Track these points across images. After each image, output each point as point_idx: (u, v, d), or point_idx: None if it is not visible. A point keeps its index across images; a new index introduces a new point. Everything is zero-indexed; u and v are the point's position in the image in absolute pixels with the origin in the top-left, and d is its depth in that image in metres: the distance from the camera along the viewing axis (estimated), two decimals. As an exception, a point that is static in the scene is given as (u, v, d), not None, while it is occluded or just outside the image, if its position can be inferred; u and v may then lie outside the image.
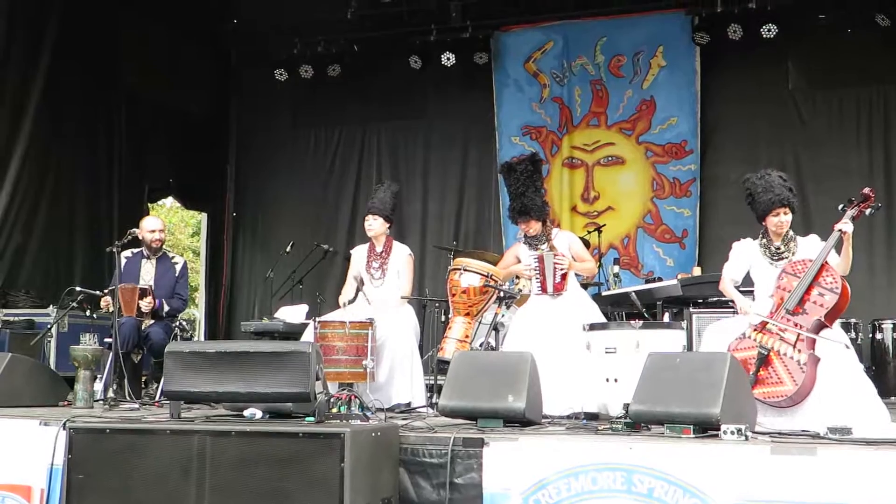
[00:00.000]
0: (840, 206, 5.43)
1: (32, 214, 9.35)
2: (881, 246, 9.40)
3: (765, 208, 5.52)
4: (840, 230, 5.23)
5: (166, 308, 7.37)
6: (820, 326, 5.09)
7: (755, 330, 5.23)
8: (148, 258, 7.54)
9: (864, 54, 9.64)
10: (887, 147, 9.66)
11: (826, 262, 5.20)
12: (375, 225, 6.85)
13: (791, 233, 5.57)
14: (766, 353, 5.09)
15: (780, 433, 4.60)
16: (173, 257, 7.75)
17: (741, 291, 6.07)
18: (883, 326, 8.23)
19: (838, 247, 5.30)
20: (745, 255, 5.66)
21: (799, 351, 5.01)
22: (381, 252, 6.84)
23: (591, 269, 6.86)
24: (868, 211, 5.44)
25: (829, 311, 5.10)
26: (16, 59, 9.20)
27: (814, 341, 5.01)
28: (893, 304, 8.96)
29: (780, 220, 5.49)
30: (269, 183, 11.92)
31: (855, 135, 9.79)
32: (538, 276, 6.34)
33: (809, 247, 5.44)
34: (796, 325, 5.10)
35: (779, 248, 5.51)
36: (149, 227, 7.58)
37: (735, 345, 5.23)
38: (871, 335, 8.21)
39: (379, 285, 6.76)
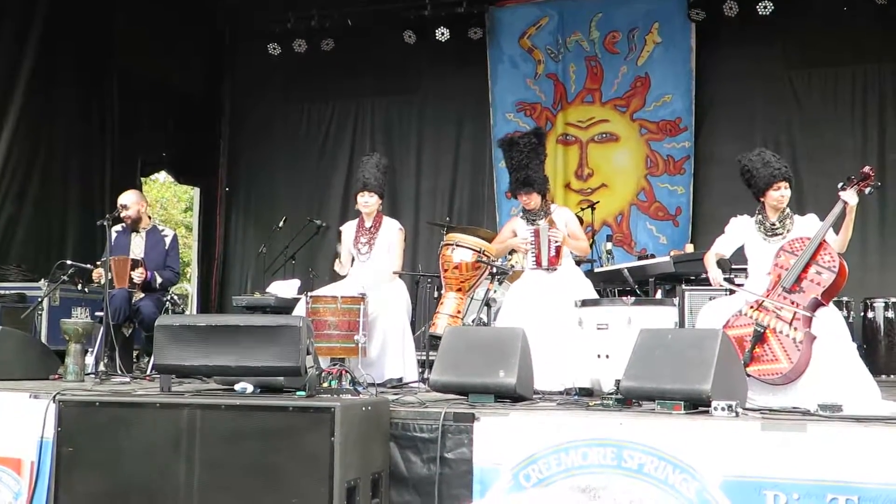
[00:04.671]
0: (839, 185, 5.40)
1: (24, 188, 9.30)
2: (873, 225, 9.39)
3: (766, 182, 5.47)
4: (845, 201, 5.20)
5: (159, 280, 7.35)
6: (816, 305, 5.09)
7: (752, 307, 5.23)
8: (137, 232, 7.51)
9: (860, 32, 9.60)
10: (882, 126, 9.63)
11: (824, 241, 5.19)
12: (372, 202, 6.80)
13: (788, 210, 5.54)
14: (762, 330, 5.09)
15: (770, 410, 4.61)
16: (163, 230, 7.72)
17: (738, 269, 6.09)
18: (874, 305, 8.25)
19: (838, 222, 5.27)
20: (739, 232, 5.65)
21: (795, 329, 5.01)
22: (371, 227, 6.80)
23: (585, 248, 6.85)
24: (867, 190, 5.41)
25: (827, 290, 5.10)
26: (7, 33, 9.13)
27: (810, 320, 5.01)
28: (885, 283, 8.96)
29: (782, 194, 5.46)
30: (262, 158, 11.88)
31: (850, 113, 9.76)
32: (534, 249, 6.33)
33: (807, 225, 5.42)
34: (793, 303, 5.09)
35: (773, 225, 5.49)
36: (119, 201, 7.53)
37: (731, 322, 5.24)
38: (862, 314, 8.23)
39: (366, 260, 6.73)
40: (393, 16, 10.79)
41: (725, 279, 5.66)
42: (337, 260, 6.96)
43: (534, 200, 6.40)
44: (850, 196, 5.20)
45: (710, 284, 7.00)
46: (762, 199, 5.55)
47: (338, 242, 7.24)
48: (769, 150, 5.75)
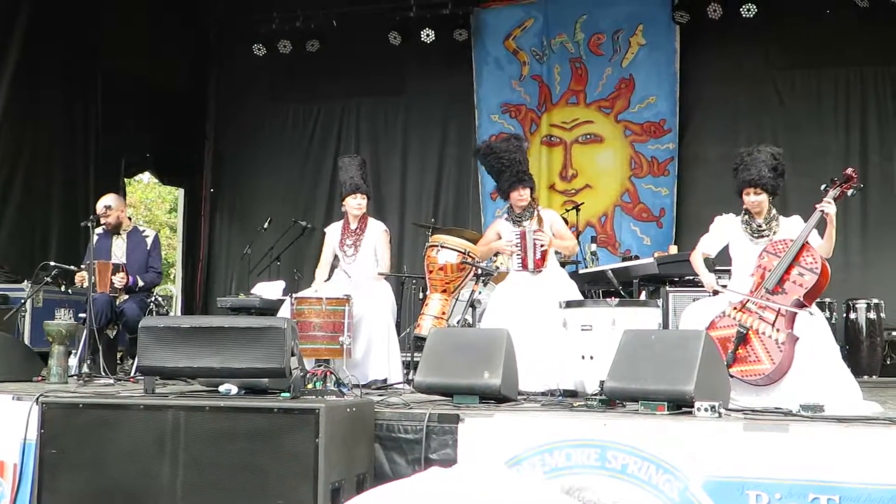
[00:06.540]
0: (822, 186, 5.42)
1: (7, 189, 9.23)
2: (855, 226, 9.45)
3: (738, 186, 5.53)
4: (822, 211, 5.24)
5: (140, 283, 7.32)
6: (799, 306, 5.12)
7: (735, 308, 5.25)
8: (119, 234, 7.48)
9: (843, 35, 9.65)
10: (864, 128, 9.71)
11: (807, 242, 5.22)
12: (364, 204, 6.82)
13: (774, 212, 5.55)
14: (744, 331, 5.12)
15: (753, 410, 4.63)
16: (143, 231, 7.69)
17: (721, 270, 6.10)
18: (857, 306, 8.30)
19: (821, 228, 5.30)
20: (724, 231, 5.66)
21: (777, 330, 5.04)
22: (356, 229, 6.81)
23: (572, 247, 6.85)
24: (850, 192, 5.44)
25: (809, 291, 5.13)
26: (-10, 31, 9.08)
27: (792, 321, 5.04)
28: (867, 285, 9.02)
29: (751, 199, 5.48)
30: (247, 159, 11.84)
31: (832, 115, 9.83)
32: (519, 252, 6.32)
33: (792, 227, 5.43)
34: (777, 308, 5.11)
35: (760, 226, 5.50)
36: (101, 203, 7.49)
37: (715, 323, 5.26)
38: (844, 315, 8.28)
39: (352, 262, 6.74)
40: (378, 17, 10.79)
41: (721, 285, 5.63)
42: (318, 271, 6.96)
43: (526, 197, 6.38)
44: (827, 206, 5.23)
45: (694, 286, 7.06)
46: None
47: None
48: (771, 147, 5.68)
